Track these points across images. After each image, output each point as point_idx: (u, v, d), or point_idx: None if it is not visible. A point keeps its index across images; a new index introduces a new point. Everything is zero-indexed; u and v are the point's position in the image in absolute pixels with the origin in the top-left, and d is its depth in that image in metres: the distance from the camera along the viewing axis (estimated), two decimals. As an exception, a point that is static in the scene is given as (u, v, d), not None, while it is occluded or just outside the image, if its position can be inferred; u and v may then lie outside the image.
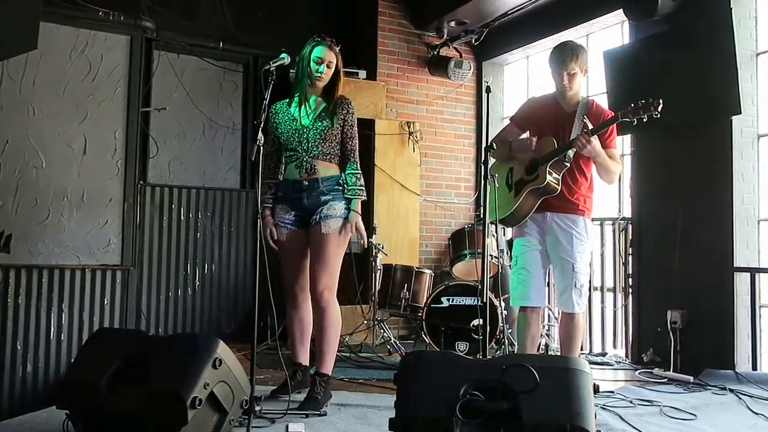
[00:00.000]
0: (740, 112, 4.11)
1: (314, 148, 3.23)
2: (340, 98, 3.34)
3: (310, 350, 3.46)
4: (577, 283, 3.30)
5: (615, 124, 3.30)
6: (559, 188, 3.30)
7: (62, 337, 4.71)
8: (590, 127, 3.20)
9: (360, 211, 3.30)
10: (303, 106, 3.31)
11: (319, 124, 3.25)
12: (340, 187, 3.27)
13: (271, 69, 3.05)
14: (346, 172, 3.30)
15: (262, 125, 2.94)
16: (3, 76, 4.72)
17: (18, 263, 4.60)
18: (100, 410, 2.43)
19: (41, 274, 4.68)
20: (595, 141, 3.16)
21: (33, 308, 4.64)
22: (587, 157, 3.28)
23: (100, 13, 4.93)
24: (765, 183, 4.35)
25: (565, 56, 3.29)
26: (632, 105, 3.11)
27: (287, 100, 3.36)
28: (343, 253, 3.31)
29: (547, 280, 3.59)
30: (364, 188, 3.32)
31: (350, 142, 3.31)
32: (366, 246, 3.48)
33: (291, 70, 3.54)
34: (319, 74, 3.24)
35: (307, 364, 3.44)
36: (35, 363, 4.61)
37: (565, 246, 3.31)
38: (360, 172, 3.33)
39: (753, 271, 4.20)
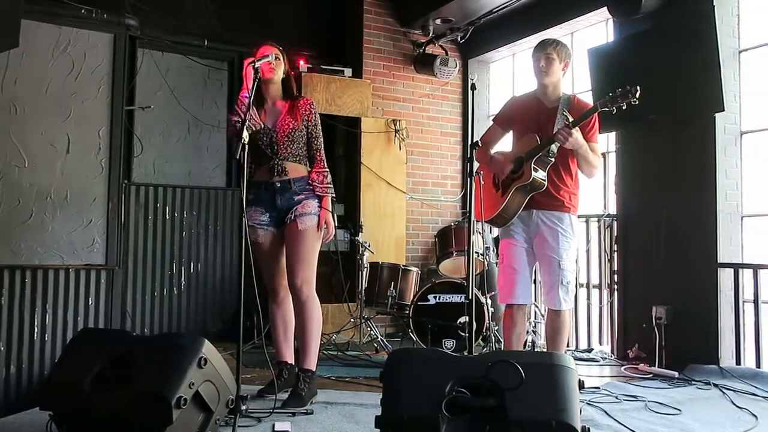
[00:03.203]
0: (723, 109, 4.14)
1: (283, 150, 3.30)
2: (300, 99, 3.42)
3: (294, 347, 3.46)
4: (564, 280, 3.32)
5: (598, 119, 3.33)
6: (546, 184, 3.31)
7: (46, 338, 4.67)
8: (571, 120, 3.23)
9: (330, 209, 3.37)
10: (263, 111, 3.36)
11: (286, 125, 3.31)
12: (311, 186, 3.34)
13: (256, 66, 3.04)
14: (315, 170, 3.37)
15: (246, 123, 2.93)
16: (-16, 74, 4.67)
17: (1, 263, 4.55)
18: (84, 411, 2.41)
19: (24, 275, 4.63)
20: (576, 133, 3.18)
21: (16, 309, 4.59)
22: (572, 154, 3.29)
23: (83, 11, 4.87)
24: (748, 179, 4.39)
25: (546, 42, 3.38)
26: (610, 94, 3.15)
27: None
28: (319, 249, 3.37)
29: (533, 278, 3.61)
30: (332, 185, 3.41)
31: (315, 142, 3.39)
32: (332, 240, 3.54)
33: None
34: (270, 66, 3.25)
35: (293, 362, 3.43)
36: (19, 364, 4.56)
37: (552, 243, 3.32)
38: (327, 170, 3.41)
39: (736, 267, 4.25)
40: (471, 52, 6.48)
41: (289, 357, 3.44)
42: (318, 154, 3.39)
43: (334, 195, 3.42)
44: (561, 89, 3.42)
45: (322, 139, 3.43)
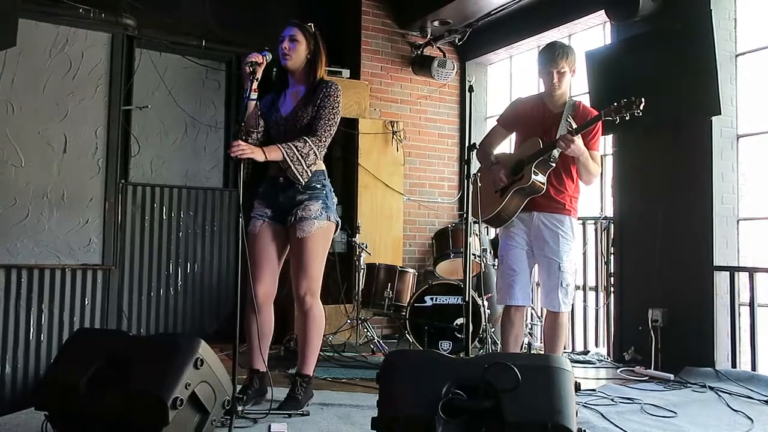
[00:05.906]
0: (720, 113, 4.15)
1: (291, 141, 3.04)
2: (319, 82, 3.13)
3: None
4: (563, 282, 3.31)
5: (600, 127, 3.32)
6: (545, 188, 3.30)
7: (42, 338, 4.66)
8: (574, 127, 3.22)
9: (268, 157, 2.94)
10: (285, 97, 3.20)
11: (298, 115, 3.10)
12: (317, 186, 3.11)
13: (251, 69, 2.98)
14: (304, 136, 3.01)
15: (244, 121, 2.92)
16: (-19, 73, 4.67)
17: (-4, 263, 4.55)
18: (79, 412, 2.40)
19: (20, 274, 4.63)
20: (578, 140, 3.17)
21: (12, 308, 4.58)
22: (573, 158, 3.29)
23: (81, 10, 4.88)
24: (744, 183, 4.40)
25: (556, 54, 3.29)
26: (615, 104, 3.13)
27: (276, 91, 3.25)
28: (325, 255, 3.18)
29: (531, 279, 3.61)
30: (307, 158, 2.99)
31: (318, 122, 3.03)
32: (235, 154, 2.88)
33: (274, 69, 3.42)
34: (284, 50, 3.08)
35: (265, 370, 3.21)
36: (14, 364, 4.56)
37: (552, 245, 3.32)
38: (315, 147, 3.01)
39: (732, 270, 4.25)
40: (469, 54, 6.49)
41: (261, 365, 3.21)
42: (319, 130, 3.01)
43: (303, 172, 2.99)
44: (567, 94, 3.43)
45: (329, 122, 3.04)
